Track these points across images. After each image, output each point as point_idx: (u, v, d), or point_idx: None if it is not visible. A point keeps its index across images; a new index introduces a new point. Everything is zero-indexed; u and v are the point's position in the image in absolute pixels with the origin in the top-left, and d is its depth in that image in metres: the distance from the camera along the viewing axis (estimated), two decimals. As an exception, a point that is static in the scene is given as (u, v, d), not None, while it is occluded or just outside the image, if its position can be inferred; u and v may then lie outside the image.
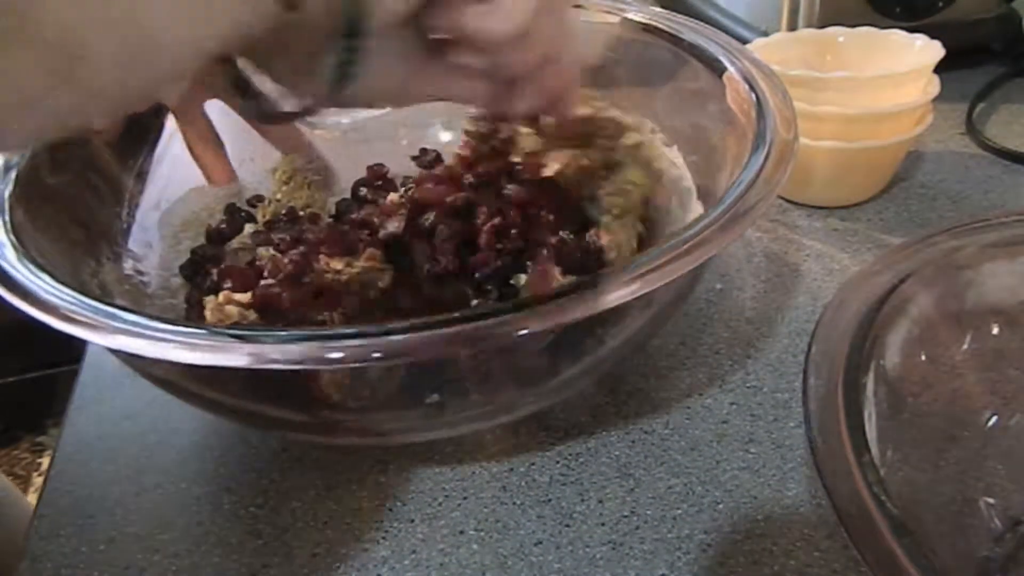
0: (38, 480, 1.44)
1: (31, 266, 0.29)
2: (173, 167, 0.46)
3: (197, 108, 0.47)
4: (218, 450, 0.38)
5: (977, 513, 0.28)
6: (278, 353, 0.25)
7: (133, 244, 0.42)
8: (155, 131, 0.46)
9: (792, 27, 0.64)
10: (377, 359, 0.24)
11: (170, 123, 0.47)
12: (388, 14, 0.26)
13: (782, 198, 0.52)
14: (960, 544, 0.28)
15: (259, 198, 0.49)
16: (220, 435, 0.39)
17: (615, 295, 0.26)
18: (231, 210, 0.47)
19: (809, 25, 0.63)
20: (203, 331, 0.26)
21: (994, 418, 0.30)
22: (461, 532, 0.33)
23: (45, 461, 1.46)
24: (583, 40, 0.34)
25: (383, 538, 0.33)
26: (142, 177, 0.44)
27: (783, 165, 0.32)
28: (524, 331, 0.25)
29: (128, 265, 0.41)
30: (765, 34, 0.63)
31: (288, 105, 0.29)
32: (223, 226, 0.46)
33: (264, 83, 0.28)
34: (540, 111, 0.36)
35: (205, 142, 0.47)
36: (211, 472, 0.37)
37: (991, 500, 0.28)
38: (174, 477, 0.37)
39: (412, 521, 0.34)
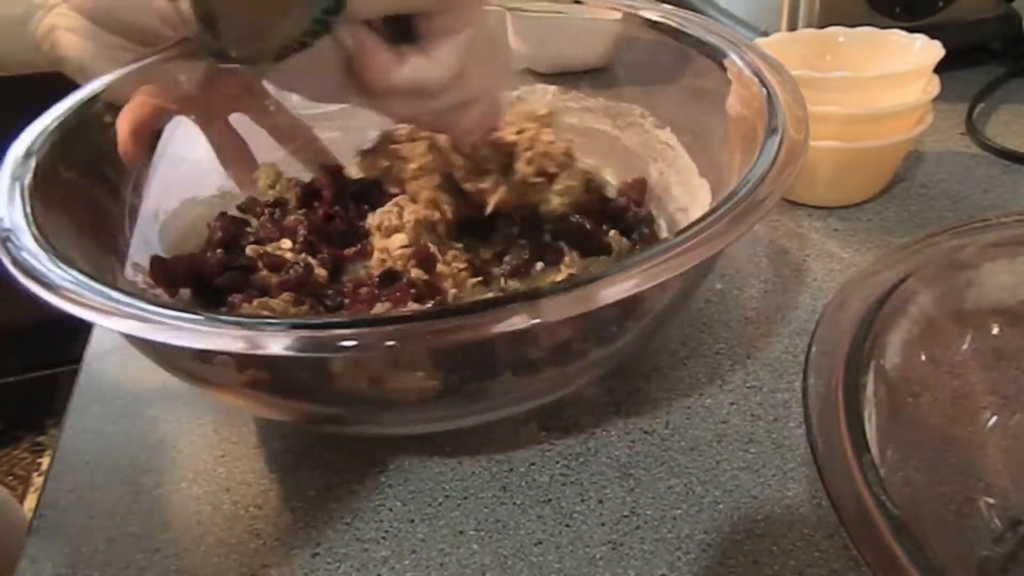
0: (38, 480, 1.44)
1: (50, 254, 0.30)
2: (166, 178, 0.46)
3: (224, 122, 0.47)
4: (218, 450, 0.38)
5: (977, 513, 0.28)
6: (272, 339, 0.25)
7: (139, 257, 0.42)
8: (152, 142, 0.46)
9: (792, 27, 0.64)
10: (386, 346, 0.25)
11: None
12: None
13: (783, 198, 0.52)
14: (960, 544, 0.27)
15: (254, 200, 0.48)
16: (220, 435, 0.39)
17: (624, 287, 0.26)
18: (224, 217, 0.47)
19: (809, 25, 0.63)
20: (201, 317, 0.26)
21: (994, 418, 0.29)
22: (461, 532, 0.33)
23: (45, 461, 1.46)
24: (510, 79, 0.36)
25: (383, 538, 0.33)
26: (139, 189, 0.44)
27: (794, 159, 0.32)
28: (537, 320, 0.25)
29: (140, 279, 0.41)
30: (765, 34, 0.63)
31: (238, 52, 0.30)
32: (220, 234, 0.45)
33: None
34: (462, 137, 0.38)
35: (236, 153, 0.47)
36: (211, 472, 0.37)
37: (991, 500, 0.28)
38: (174, 477, 0.37)
39: (412, 521, 0.34)
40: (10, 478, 1.46)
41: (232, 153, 0.47)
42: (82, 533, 0.35)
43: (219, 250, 0.43)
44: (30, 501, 1.39)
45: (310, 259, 0.43)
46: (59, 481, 0.37)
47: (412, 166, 0.42)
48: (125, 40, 0.42)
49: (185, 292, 0.41)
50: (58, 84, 0.43)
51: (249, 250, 0.43)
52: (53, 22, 0.41)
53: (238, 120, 0.47)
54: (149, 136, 0.42)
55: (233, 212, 0.48)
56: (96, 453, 0.39)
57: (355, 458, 0.37)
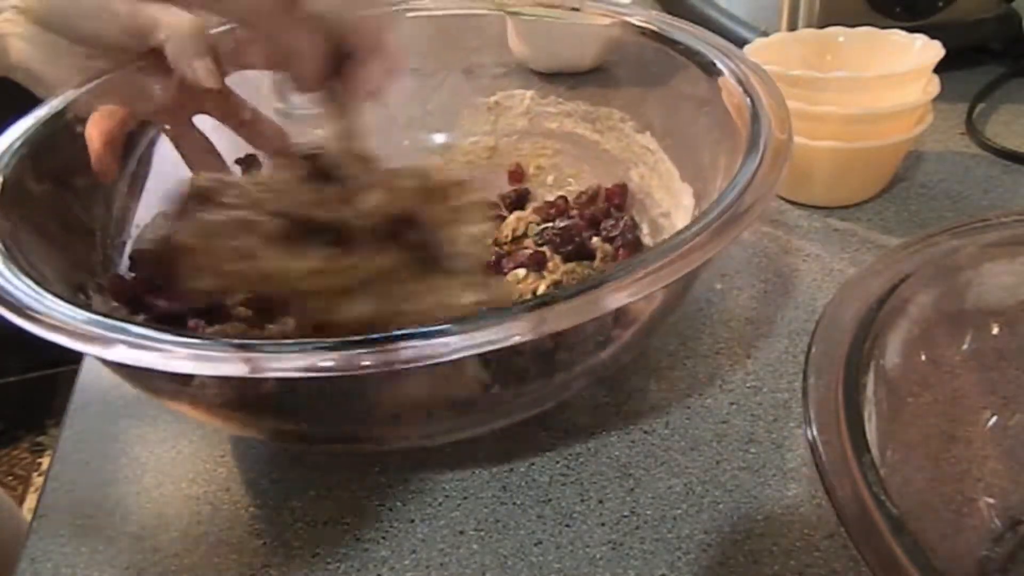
0: (38, 480, 1.44)
1: (26, 279, 0.29)
2: (147, 191, 0.45)
3: (187, 123, 0.46)
4: (218, 450, 0.38)
5: (977, 513, 0.28)
6: (276, 363, 0.24)
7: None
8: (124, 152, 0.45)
9: (792, 27, 0.64)
10: (403, 366, 0.24)
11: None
12: None
13: (782, 198, 0.53)
14: (960, 544, 0.28)
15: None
16: (220, 435, 0.39)
17: (610, 301, 0.26)
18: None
19: (809, 25, 0.63)
20: (199, 341, 0.25)
21: (994, 418, 0.30)
22: (461, 532, 0.33)
23: (45, 461, 1.46)
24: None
25: (383, 538, 0.33)
26: (110, 205, 0.43)
27: (778, 166, 0.32)
28: (517, 337, 0.25)
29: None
30: (765, 34, 0.63)
31: None
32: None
33: None
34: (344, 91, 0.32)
35: (203, 156, 0.47)
36: (211, 472, 0.37)
37: (991, 500, 0.28)
38: (174, 477, 0.37)
39: (412, 521, 0.34)
40: (10, 478, 1.46)
41: (199, 157, 0.46)
42: (82, 533, 0.35)
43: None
44: (30, 501, 1.39)
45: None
46: (59, 481, 0.37)
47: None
48: (80, 47, 0.41)
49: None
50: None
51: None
52: (1, 28, 0.41)
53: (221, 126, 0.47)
54: (122, 145, 0.41)
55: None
56: (96, 453, 0.39)
57: (355, 458, 0.37)
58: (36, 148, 0.38)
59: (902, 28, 0.53)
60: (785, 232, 0.50)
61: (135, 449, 0.39)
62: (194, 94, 0.46)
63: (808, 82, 0.48)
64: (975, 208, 0.51)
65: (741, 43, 0.47)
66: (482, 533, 0.33)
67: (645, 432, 0.37)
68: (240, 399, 0.31)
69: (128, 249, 0.43)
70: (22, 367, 1.47)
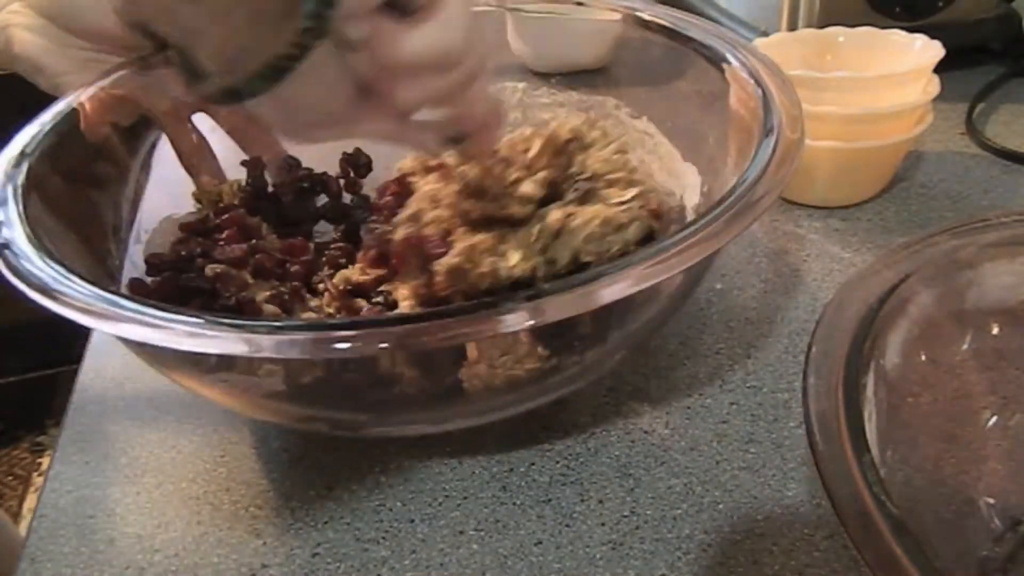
0: (38, 480, 1.44)
1: (45, 256, 0.29)
2: (150, 197, 0.45)
3: (186, 121, 0.47)
4: (218, 450, 0.38)
5: (977, 513, 0.28)
6: (272, 343, 0.25)
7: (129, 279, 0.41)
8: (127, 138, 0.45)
9: (792, 27, 0.64)
10: (381, 348, 0.25)
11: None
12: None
13: (782, 198, 0.53)
14: (960, 544, 0.28)
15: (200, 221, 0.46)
16: (220, 435, 0.39)
17: (619, 288, 0.26)
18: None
19: (809, 25, 0.63)
20: (201, 319, 0.26)
21: (994, 418, 0.30)
22: (461, 532, 0.33)
23: (45, 461, 1.46)
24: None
25: (383, 538, 0.33)
26: (118, 211, 0.43)
27: (790, 158, 0.32)
28: (531, 322, 0.25)
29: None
30: (765, 34, 0.63)
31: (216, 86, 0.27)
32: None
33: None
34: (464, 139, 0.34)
35: (198, 155, 0.47)
36: (211, 472, 0.37)
37: (991, 500, 0.28)
38: (174, 477, 0.37)
39: (412, 521, 0.34)
40: (10, 478, 1.46)
41: (196, 157, 0.46)
42: (82, 533, 0.35)
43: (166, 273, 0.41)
44: (30, 501, 1.39)
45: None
46: (59, 481, 0.37)
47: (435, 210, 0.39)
48: (82, 39, 0.42)
49: None
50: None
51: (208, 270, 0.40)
52: (7, 20, 0.41)
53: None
54: (111, 113, 0.41)
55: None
56: (96, 453, 0.39)
57: (355, 458, 0.37)
58: (55, 149, 0.38)
59: (902, 28, 0.53)
60: (785, 232, 0.50)
61: (135, 449, 0.39)
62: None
63: (808, 82, 0.48)
64: (975, 208, 0.51)
65: (741, 43, 0.47)
66: (482, 533, 0.33)
67: (645, 432, 0.37)
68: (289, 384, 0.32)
69: (143, 253, 0.43)
70: (22, 367, 1.47)
